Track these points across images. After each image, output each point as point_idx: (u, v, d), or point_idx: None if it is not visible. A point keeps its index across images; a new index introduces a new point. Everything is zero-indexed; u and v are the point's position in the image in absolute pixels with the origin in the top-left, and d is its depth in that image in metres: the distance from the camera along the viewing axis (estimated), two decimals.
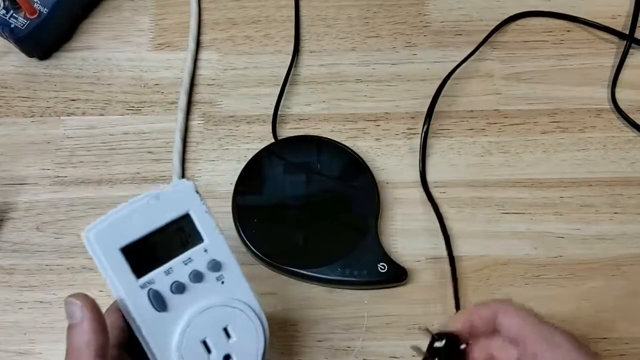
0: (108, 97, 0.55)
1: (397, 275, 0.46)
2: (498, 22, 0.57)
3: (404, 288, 0.47)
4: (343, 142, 0.51)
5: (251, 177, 0.50)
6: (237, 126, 0.53)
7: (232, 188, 0.49)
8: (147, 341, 0.32)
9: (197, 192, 0.33)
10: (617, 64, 0.55)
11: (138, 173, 0.51)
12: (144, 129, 0.53)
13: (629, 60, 0.56)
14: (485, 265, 0.48)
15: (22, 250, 0.49)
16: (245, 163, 0.50)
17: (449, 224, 0.49)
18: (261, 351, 0.33)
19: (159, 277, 0.32)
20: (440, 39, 0.57)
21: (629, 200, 0.50)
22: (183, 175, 0.51)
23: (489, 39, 0.56)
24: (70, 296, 0.30)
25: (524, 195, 0.50)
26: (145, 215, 0.32)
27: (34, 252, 0.49)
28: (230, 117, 0.54)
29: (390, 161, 0.52)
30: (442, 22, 0.58)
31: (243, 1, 0.59)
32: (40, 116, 0.54)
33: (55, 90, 0.55)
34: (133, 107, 0.54)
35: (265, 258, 0.47)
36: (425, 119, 0.52)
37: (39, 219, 0.50)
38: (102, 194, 0.50)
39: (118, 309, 0.32)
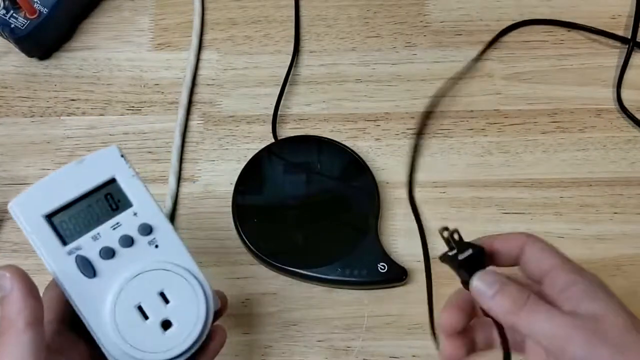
0: (108, 97, 0.55)
1: (397, 275, 0.46)
2: (502, 29, 0.57)
3: (404, 288, 0.47)
4: (343, 142, 0.51)
5: (251, 177, 0.50)
6: (237, 126, 0.53)
7: (232, 188, 0.49)
8: (80, 309, 0.31)
9: (123, 156, 0.33)
10: (620, 64, 0.55)
11: (138, 173, 0.51)
12: (144, 129, 0.53)
13: (631, 61, 0.56)
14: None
15: (22, 250, 0.49)
16: (245, 163, 0.50)
17: (448, 224, 0.49)
18: (203, 315, 0.32)
19: (87, 243, 0.31)
20: (440, 39, 0.57)
21: (629, 200, 0.50)
22: (180, 175, 0.51)
23: (492, 45, 0.56)
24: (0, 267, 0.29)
25: (524, 195, 0.50)
26: (70, 182, 0.31)
27: (34, 252, 0.48)
28: (230, 117, 0.54)
29: (390, 161, 0.52)
30: (442, 22, 0.58)
31: (243, 1, 0.59)
32: (40, 116, 0.54)
33: (55, 90, 0.55)
34: (133, 107, 0.54)
35: (265, 258, 0.47)
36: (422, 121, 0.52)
37: None
38: None
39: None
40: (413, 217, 0.50)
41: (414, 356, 0.45)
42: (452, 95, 0.55)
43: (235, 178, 0.49)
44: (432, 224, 0.49)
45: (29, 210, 0.31)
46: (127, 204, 0.32)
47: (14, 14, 0.53)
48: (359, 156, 0.50)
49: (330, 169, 0.50)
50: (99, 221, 0.32)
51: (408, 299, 0.47)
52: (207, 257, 0.48)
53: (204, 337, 0.32)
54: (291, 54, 0.56)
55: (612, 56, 0.56)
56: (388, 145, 0.53)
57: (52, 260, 0.31)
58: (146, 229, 0.32)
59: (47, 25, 0.54)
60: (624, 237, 0.49)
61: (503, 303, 0.30)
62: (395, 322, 0.46)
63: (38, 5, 0.53)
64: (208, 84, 0.55)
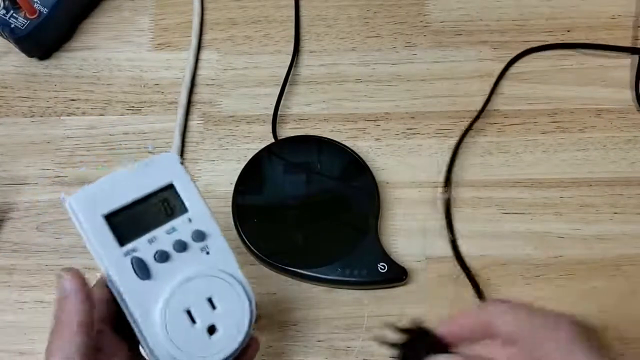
0: (108, 97, 0.55)
1: (397, 275, 0.46)
2: (517, 53, 0.56)
3: (404, 288, 0.47)
4: (343, 142, 0.51)
5: (251, 177, 0.50)
6: (237, 126, 0.53)
7: (232, 188, 0.49)
8: (131, 310, 0.31)
9: (182, 163, 0.33)
10: (621, 64, 0.55)
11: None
12: (144, 129, 0.53)
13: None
14: (485, 265, 0.48)
15: (22, 250, 0.49)
16: (245, 163, 0.50)
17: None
18: (246, 322, 0.33)
19: (143, 246, 0.32)
20: (440, 39, 0.57)
21: (629, 200, 0.50)
22: None
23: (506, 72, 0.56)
24: (61, 270, 0.31)
25: (524, 195, 0.50)
26: (130, 184, 0.32)
27: (34, 252, 0.49)
28: (230, 117, 0.54)
29: (390, 161, 0.52)
30: (442, 22, 0.58)
31: (243, 1, 0.59)
32: (40, 116, 0.54)
33: (55, 90, 0.55)
34: (133, 107, 0.54)
35: (265, 258, 0.47)
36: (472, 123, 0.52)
37: (39, 219, 0.50)
38: None
39: (104, 284, 0.32)
40: (413, 217, 0.50)
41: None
42: (453, 95, 0.55)
43: (235, 178, 0.49)
44: (433, 224, 0.49)
45: (88, 208, 0.31)
46: (183, 210, 0.33)
47: (14, 14, 0.53)
48: (359, 156, 0.50)
49: (330, 169, 0.50)
50: (155, 225, 0.32)
51: (408, 299, 0.47)
52: None
53: (245, 344, 0.33)
54: (291, 54, 0.56)
55: (612, 56, 0.56)
56: (388, 145, 0.53)
57: (108, 260, 0.31)
58: (200, 236, 0.33)
59: (47, 25, 0.54)
60: (624, 237, 0.49)
61: None
62: (395, 322, 0.46)
63: (38, 5, 0.53)
64: (208, 84, 0.55)
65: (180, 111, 0.53)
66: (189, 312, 0.32)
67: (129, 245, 0.31)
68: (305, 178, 0.49)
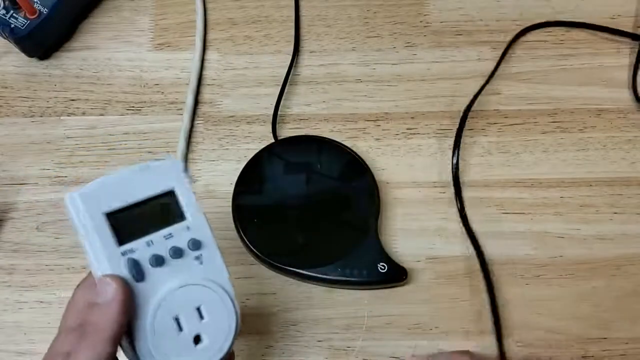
0: (108, 97, 0.55)
1: (397, 275, 0.46)
2: (515, 32, 0.57)
3: (404, 288, 0.47)
4: (343, 142, 0.51)
5: (251, 177, 0.50)
6: (237, 126, 0.53)
7: (232, 188, 0.49)
8: None
9: (185, 171, 0.34)
10: (621, 64, 0.55)
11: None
12: (144, 129, 0.53)
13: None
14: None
15: (22, 250, 0.49)
16: (245, 163, 0.50)
17: (449, 224, 0.49)
18: (231, 336, 0.33)
19: (140, 247, 0.32)
20: (440, 39, 0.57)
21: (629, 200, 0.50)
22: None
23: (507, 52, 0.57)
24: (105, 276, 0.30)
25: (524, 195, 0.50)
26: (132, 185, 0.32)
27: (34, 252, 0.49)
28: (230, 117, 0.54)
29: (390, 161, 0.52)
30: (442, 22, 0.58)
31: (243, 1, 0.59)
32: (40, 116, 0.54)
33: (55, 90, 0.55)
34: (133, 107, 0.54)
35: (265, 258, 0.47)
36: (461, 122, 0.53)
37: (39, 219, 0.50)
38: None
39: (91, 284, 0.32)
40: (413, 217, 0.50)
41: (413, 356, 0.45)
42: (453, 95, 0.55)
43: (235, 178, 0.49)
44: (432, 224, 0.49)
45: (91, 205, 0.31)
46: (181, 217, 0.33)
47: (14, 14, 0.53)
48: (359, 156, 0.50)
49: (330, 169, 0.50)
50: (154, 229, 0.32)
51: (408, 299, 0.47)
52: None
53: (227, 356, 0.33)
54: (291, 54, 0.56)
55: (612, 56, 0.56)
56: (388, 145, 0.53)
57: (105, 257, 0.31)
58: (196, 245, 0.33)
59: (47, 25, 0.54)
60: (624, 237, 0.49)
61: None
62: (395, 322, 0.46)
63: (38, 5, 0.53)
64: (208, 84, 0.55)
65: (186, 115, 0.53)
66: (177, 319, 0.32)
67: (127, 246, 0.31)
68: (305, 178, 0.49)
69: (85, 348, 0.29)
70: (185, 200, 0.33)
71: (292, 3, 0.59)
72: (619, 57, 0.56)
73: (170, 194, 0.33)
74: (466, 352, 0.29)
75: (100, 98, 0.55)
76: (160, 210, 0.33)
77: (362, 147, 0.52)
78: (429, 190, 0.51)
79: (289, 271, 0.47)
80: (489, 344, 0.45)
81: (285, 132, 0.53)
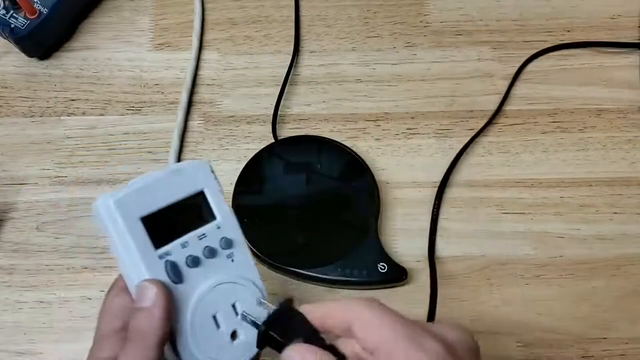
0: (108, 97, 0.55)
1: (397, 275, 0.46)
2: (529, 55, 0.56)
3: (404, 288, 0.47)
4: (343, 142, 0.51)
5: (251, 177, 0.50)
6: (237, 126, 0.53)
7: (232, 188, 0.49)
8: None
9: (213, 171, 0.34)
10: (622, 64, 0.55)
11: (138, 173, 0.51)
12: (144, 129, 0.53)
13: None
14: (485, 265, 0.48)
15: (22, 250, 0.49)
16: (245, 163, 0.50)
17: (449, 224, 0.49)
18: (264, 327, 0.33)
19: (176, 250, 0.32)
20: (440, 39, 0.57)
21: (629, 200, 0.50)
22: None
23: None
24: (145, 281, 0.30)
25: (524, 195, 0.50)
26: (164, 188, 0.32)
27: (34, 252, 0.49)
28: (230, 117, 0.54)
29: (390, 161, 0.52)
30: (442, 22, 0.58)
31: (243, 1, 0.59)
32: (40, 116, 0.54)
33: (55, 90, 0.55)
34: (133, 107, 0.54)
35: (265, 258, 0.47)
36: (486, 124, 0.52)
37: (39, 219, 0.50)
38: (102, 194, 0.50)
39: (122, 290, 0.32)
40: (413, 217, 0.50)
41: None
42: (452, 95, 0.55)
43: (235, 178, 0.49)
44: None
45: (126, 210, 0.31)
46: (212, 217, 0.33)
47: (14, 14, 0.53)
48: (359, 156, 0.50)
49: (330, 169, 0.50)
50: (187, 230, 0.33)
51: (408, 299, 0.47)
52: None
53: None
54: (291, 54, 0.56)
55: (612, 56, 0.56)
56: (388, 145, 0.53)
57: (143, 262, 0.31)
58: (227, 243, 0.33)
59: (47, 25, 0.54)
60: (624, 237, 0.49)
61: None
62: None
63: (38, 5, 0.53)
64: (208, 84, 0.55)
65: (181, 112, 0.53)
66: (214, 317, 0.32)
67: (164, 249, 0.32)
68: (305, 178, 0.49)
69: (132, 354, 0.29)
70: (214, 200, 0.33)
71: (292, 3, 0.59)
72: (619, 57, 0.56)
73: (201, 194, 0.33)
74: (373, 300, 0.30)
75: (100, 98, 0.55)
76: (192, 212, 0.33)
77: (362, 147, 0.52)
78: (429, 190, 0.51)
79: (289, 271, 0.47)
80: (489, 344, 0.45)
81: (285, 132, 0.53)
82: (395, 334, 0.28)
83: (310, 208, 0.48)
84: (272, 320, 0.31)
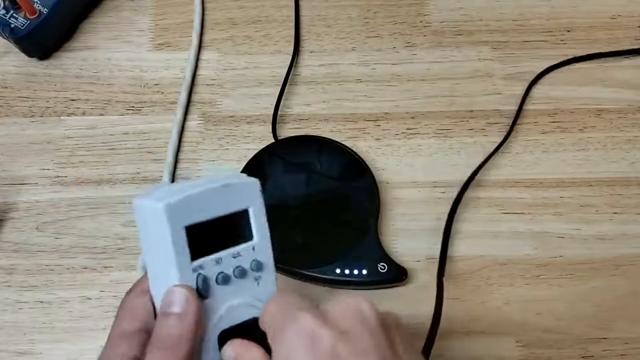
0: (108, 97, 0.55)
1: (397, 275, 0.46)
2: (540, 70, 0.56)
3: (404, 288, 0.47)
4: (343, 142, 0.51)
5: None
6: (237, 126, 0.53)
7: None
8: None
9: (261, 190, 0.33)
10: (619, 65, 0.55)
11: (138, 173, 0.51)
12: (144, 129, 0.53)
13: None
14: (485, 265, 0.48)
15: (22, 250, 0.49)
16: (245, 163, 0.50)
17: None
18: None
19: (209, 265, 0.31)
20: (440, 39, 0.57)
21: (629, 200, 0.50)
22: (175, 172, 0.51)
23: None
24: (176, 286, 0.30)
25: (524, 195, 0.50)
26: (213, 200, 0.32)
27: (34, 252, 0.49)
28: (230, 117, 0.54)
29: (390, 161, 0.52)
30: (442, 22, 0.58)
31: (243, 1, 0.59)
32: (40, 116, 0.54)
33: (55, 90, 0.55)
34: (133, 107, 0.54)
35: None
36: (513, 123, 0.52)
37: (39, 219, 0.50)
38: (102, 194, 0.50)
39: (142, 291, 0.32)
40: (413, 217, 0.50)
41: None
42: (453, 95, 0.55)
43: None
44: (432, 224, 0.49)
45: (175, 217, 0.30)
46: (250, 237, 0.33)
47: (14, 14, 0.53)
48: (359, 156, 0.50)
49: (330, 169, 0.50)
50: (224, 246, 0.32)
51: (408, 299, 0.47)
52: None
53: None
54: (291, 54, 0.56)
55: (612, 56, 0.56)
56: (388, 145, 0.53)
57: (178, 271, 0.30)
58: (258, 266, 0.33)
59: (47, 25, 0.54)
60: (624, 237, 0.49)
61: None
62: None
63: (38, 5, 0.53)
64: (208, 84, 0.55)
65: (179, 112, 0.53)
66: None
67: (199, 261, 0.31)
68: (305, 178, 0.49)
69: (162, 358, 0.28)
70: (256, 220, 0.33)
71: (292, 3, 0.59)
72: (619, 57, 0.56)
73: (244, 212, 0.33)
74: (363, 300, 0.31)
75: (100, 98, 0.55)
76: (233, 228, 0.33)
77: (362, 147, 0.52)
78: (429, 190, 0.51)
79: (289, 271, 0.47)
80: (489, 344, 0.45)
81: (285, 132, 0.53)
82: (277, 311, 0.30)
83: (310, 208, 0.48)
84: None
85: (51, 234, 0.49)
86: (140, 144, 0.53)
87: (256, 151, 0.51)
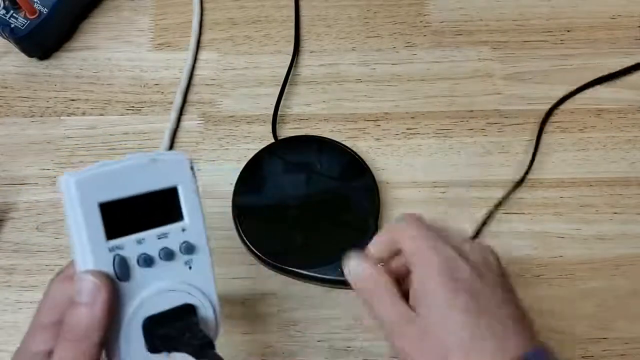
0: (108, 97, 0.55)
1: None
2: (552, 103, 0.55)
3: None
4: (343, 142, 0.51)
5: (251, 177, 0.50)
6: (237, 126, 0.53)
7: (232, 188, 0.49)
8: None
9: (192, 168, 0.31)
10: (621, 65, 0.55)
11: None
12: (143, 129, 0.53)
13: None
14: None
15: (22, 250, 0.49)
16: (245, 163, 0.50)
17: (449, 224, 0.49)
18: None
19: (130, 245, 0.29)
20: (440, 39, 0.57)
21: (629, 200, 0.50)
22: None
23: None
24: (85, 272, 0.28)
25: (524, 195, 0.50)
26: (133, 176, 0.29)
27: (34, 252, 0.49)
28: (230, 117, 0.54)
29: (390, 161, 0.52)
30: (442, 22, 0.58)
31: (243, 1, 0.59)
32: (40, 116, 0.54)
33: (55, 90, 0.55)
34: (133, 107, 0.54)
35: (265, 258, 0.47)
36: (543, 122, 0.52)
37: (39, 219, 0.50)
38: None
39: (68, 277, 0.30)
40: None
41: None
42: (452, 95, 0.55)
43: (235, 178, 0.49)
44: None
45: (86, 191, 0.28)
46: (179, 217, 0.31)
47: (14, 14, 0.53)
48: (359, 156, 0.50)
49: (330, 169, 0.50)
50: (148, 226, 0.30)
51: None
52: None
53: None
54: (291, 54, 0.56)
55: (612, 56, 0.56)
56: (388, 145, 0.53)
57: (90, 251, 0.28)
58: (189, 249, 0.31)
59: (47, 25, 0.54)
60: (623, 237, 0.49)
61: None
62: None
63: (38, 5, 0.53)
64: (208, 84, 0.55)
65: (174, 113, 0.53)
66: None
67: (116, 241, 0.29)
68: (305, 178, 0.49)
69: (68, 356, 0.27)
70: (187, 200, 0.31)
71: (292, 3, 0.59)
72: (620, 57, 0.56)
73: (173, 191, 0.30)
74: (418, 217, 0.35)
75: (100, 98, 0.55)
76: (158, 207, 0.30)
77: (362, 147, 0.52)
78: (428, 190, 0.51)
79: (289, 271, 0.47)
80: None
81: (285, 132, 0.53)
82: (425, 243, 0.33)
83: (310, 208, 0.48)
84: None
85: (51, 234, 0.49)
86: (140, 144, 0.53)
87: (256, 151, 0.51)
